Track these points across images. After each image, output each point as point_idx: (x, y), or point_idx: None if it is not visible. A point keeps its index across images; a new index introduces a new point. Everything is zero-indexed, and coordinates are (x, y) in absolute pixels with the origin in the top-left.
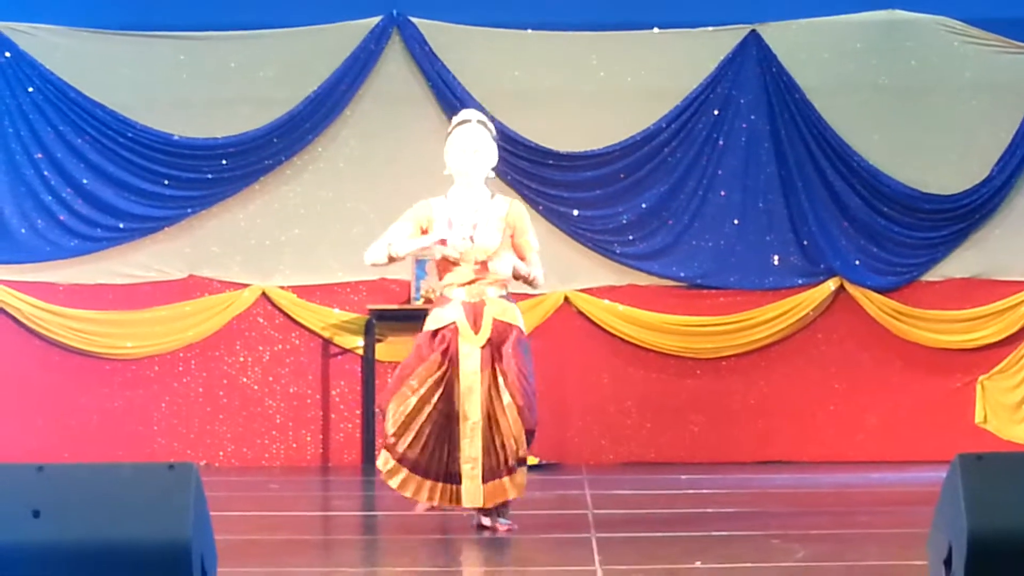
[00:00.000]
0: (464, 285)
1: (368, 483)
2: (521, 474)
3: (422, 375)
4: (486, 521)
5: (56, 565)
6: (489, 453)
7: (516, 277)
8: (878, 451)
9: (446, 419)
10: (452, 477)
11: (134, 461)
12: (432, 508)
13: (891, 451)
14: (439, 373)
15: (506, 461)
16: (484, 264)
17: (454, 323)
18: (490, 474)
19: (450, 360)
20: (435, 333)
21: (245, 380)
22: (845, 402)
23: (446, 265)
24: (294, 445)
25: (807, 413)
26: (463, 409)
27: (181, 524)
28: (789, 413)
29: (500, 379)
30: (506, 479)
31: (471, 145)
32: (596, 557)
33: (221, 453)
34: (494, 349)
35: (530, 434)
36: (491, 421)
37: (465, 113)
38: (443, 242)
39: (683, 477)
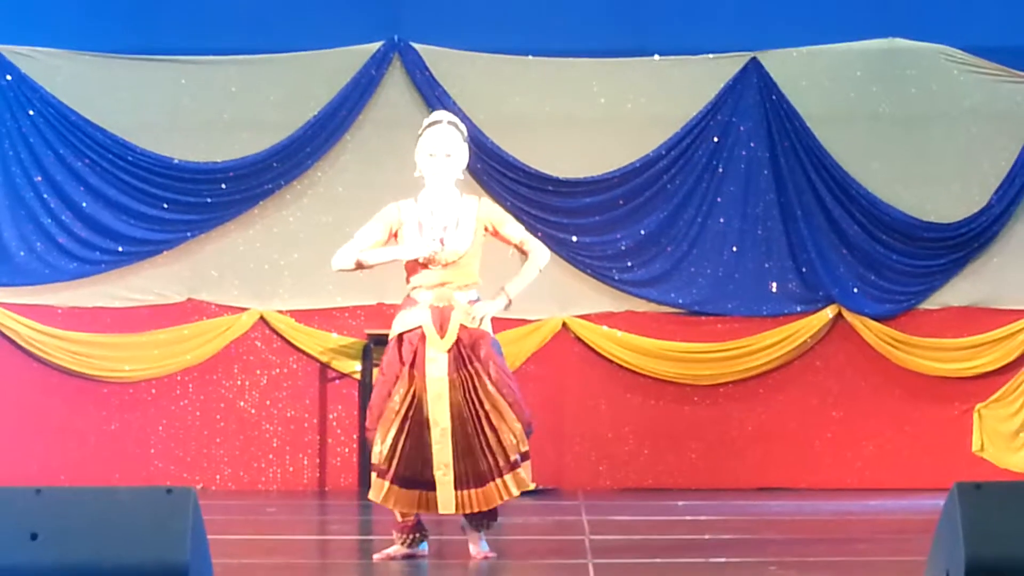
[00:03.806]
0: (432, 288)
1: (365, 507)
2: (525, 468)
3: (401, 395)
4: (471, 547)
5: None
6: (483, 456)
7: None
8: (876, 479)
9: (418, 426)
10: (427, 484)
11: (131, 484)
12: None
13: (889, 479)
14: (409, 384)
15: (507, 458)
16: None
17: (420, 328)
18: (482, 478)
19: (416, 367)
20: (400, 341)
21: (242, 404)
22: (843, 429)
23: (414, 267)
24: (291, 469)
25: (805, 440)
26: (432, 416)
27: (179, 548)
28: (787, 440)
29: (485, 379)
30: (508, 476)
31: (442, 149)
32: None
33: (218, 476)
34: (466, 352)
35: (528, 426)
36: (475, 424)
37: (436, 114)
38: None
39: (680, 503)
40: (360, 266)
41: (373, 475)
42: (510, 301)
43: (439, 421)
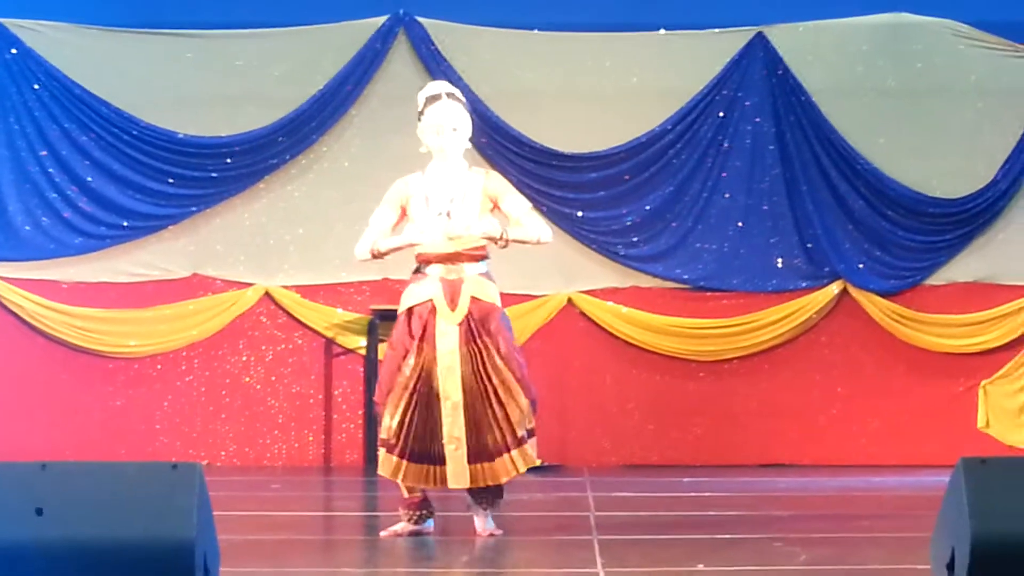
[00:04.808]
0: (441, 261)
1: (370, 483)
2: (532, 445)
3: (410, 369)
4: (477, 523)
5: (59, 563)
6: (490, 430)
7: (523, 242)
8: (881, 455)
9: (427, 400)
10: (436, 459)
11: (136, 460)
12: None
13: (894, 455)
14: (419, 358)
15: (514, 433)
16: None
17: (430, 300)
18: (489, 453)
19: (426, 340)
20: (410, 315)
21: (248, 379)
22: (848, 405)
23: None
24: (296, 445)
25: (810, 416)
26: (443, 389)
27: (185, 523)
28: (792, 416)
29: (494, 353)
30: (515, 452)
31: (448, 123)
32: (598, 560)
33: (223, 452)
34: (476, 325)
35: (533, 404)
36: (484, 399)
37: (433, 87)
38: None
39: (685, 480)
40: (376, 255)
41: (382, 450)
42: (505, 238)
43: (450, 395)
